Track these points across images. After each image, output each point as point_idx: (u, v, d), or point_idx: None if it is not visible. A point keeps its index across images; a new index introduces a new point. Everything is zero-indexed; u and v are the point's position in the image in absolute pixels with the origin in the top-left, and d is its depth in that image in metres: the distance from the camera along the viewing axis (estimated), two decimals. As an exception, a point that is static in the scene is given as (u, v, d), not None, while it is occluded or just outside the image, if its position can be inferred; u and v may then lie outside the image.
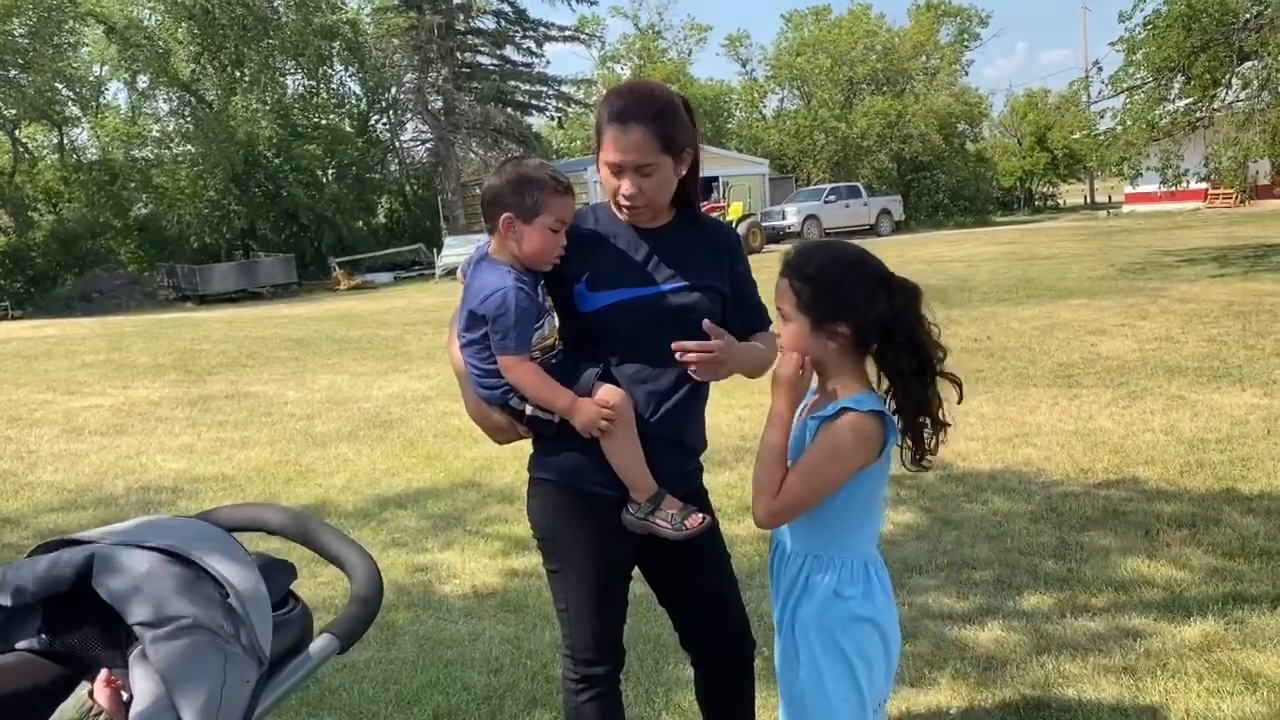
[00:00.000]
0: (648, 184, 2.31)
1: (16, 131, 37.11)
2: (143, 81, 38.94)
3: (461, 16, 41.29)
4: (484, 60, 43.15)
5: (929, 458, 2.21)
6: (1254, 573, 4.19)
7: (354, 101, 43.54)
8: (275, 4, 37.40)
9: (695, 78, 52.56)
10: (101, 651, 1.62)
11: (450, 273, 28.44)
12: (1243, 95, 16.72)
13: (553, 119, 46.49)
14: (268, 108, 37.78)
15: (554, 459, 2.43)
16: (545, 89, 44.17)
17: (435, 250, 33.64)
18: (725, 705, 2.66)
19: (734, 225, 20.15)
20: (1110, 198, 49.36)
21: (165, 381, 11.36)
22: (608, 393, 2.30)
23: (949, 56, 53.08)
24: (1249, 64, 16.35)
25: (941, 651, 3.69)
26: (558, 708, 3.26)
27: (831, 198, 36.02)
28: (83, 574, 1.50)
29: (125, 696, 1.51)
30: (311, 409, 9.28)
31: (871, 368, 2.19)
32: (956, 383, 2.21)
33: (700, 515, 2.35)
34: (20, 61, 32.25)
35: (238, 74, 38.03)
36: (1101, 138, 18.91)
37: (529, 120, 44.50)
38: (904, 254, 22.96)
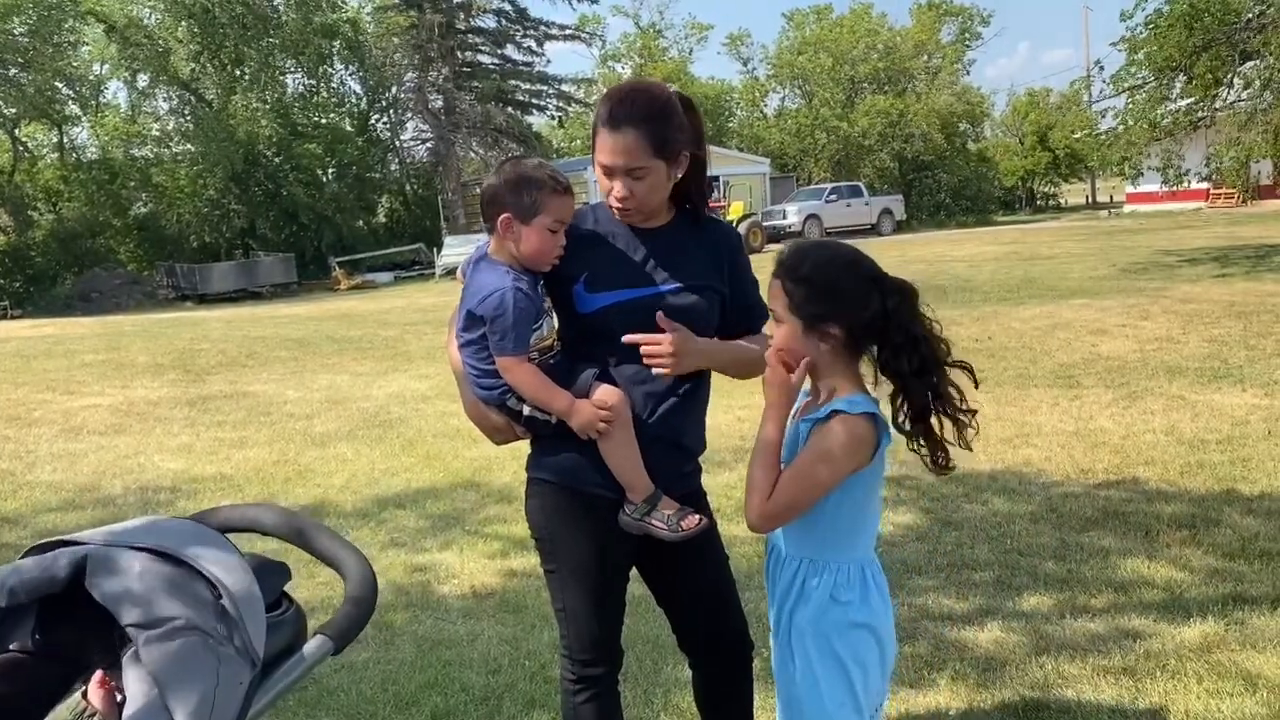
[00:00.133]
0: (639, 187, 2.30)
1: (16, 130, 37.13)
2: (142, 80, 38.93)
3: (462, 15, 41.28)
4: (484, 59, 43.13)
5: (950, 461, 2.16)
6: (1254, 574, 4.19)
7: (354, 100, 43.59)
8: (275, 3, 37.40)
9: (696, 77, 52.61)
10: (96, 653, 1.61)
11: (450, 272, 28.44)
12: (1244, 95, 16.71)
13: (553, 118, 46.49)
14: (268, 107, 37.80)
15: (552, 459, 2.42)
16: (546, 88, 44.17)
17: (435, 250, 33.65)
18: (724, 707, 2.64)
19: (735, 225, 20.17)
20: (1112, 198, 49.37)
21: (164, 381, 11.35)
22: (605, 393, 2.29)
23: (950, 56, 53.08)
24: (1250, 64, 16.34)
25: (941, 652, 3.68)
26: (556, 708, 3.26)
27: (833, 197, 36.00)
28: (76, 575, 1.49)
29: (120, 698, 1.51)
30: (311, 409, 9.28)
31: (867, 369, 2.18)
32: (968, 369, 2.17)
33: (697, 517, 2.35)
34: (20, 60, 32.26)
35: (238, 73, 38.03)
36: (1103, 137, 18.89)
37: (529, 120, 44.53)
38: (905, 254, 22.95)
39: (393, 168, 44.42)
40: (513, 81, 43.09)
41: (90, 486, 6.86)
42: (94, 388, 11.09)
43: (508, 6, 41.76)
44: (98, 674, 1.59)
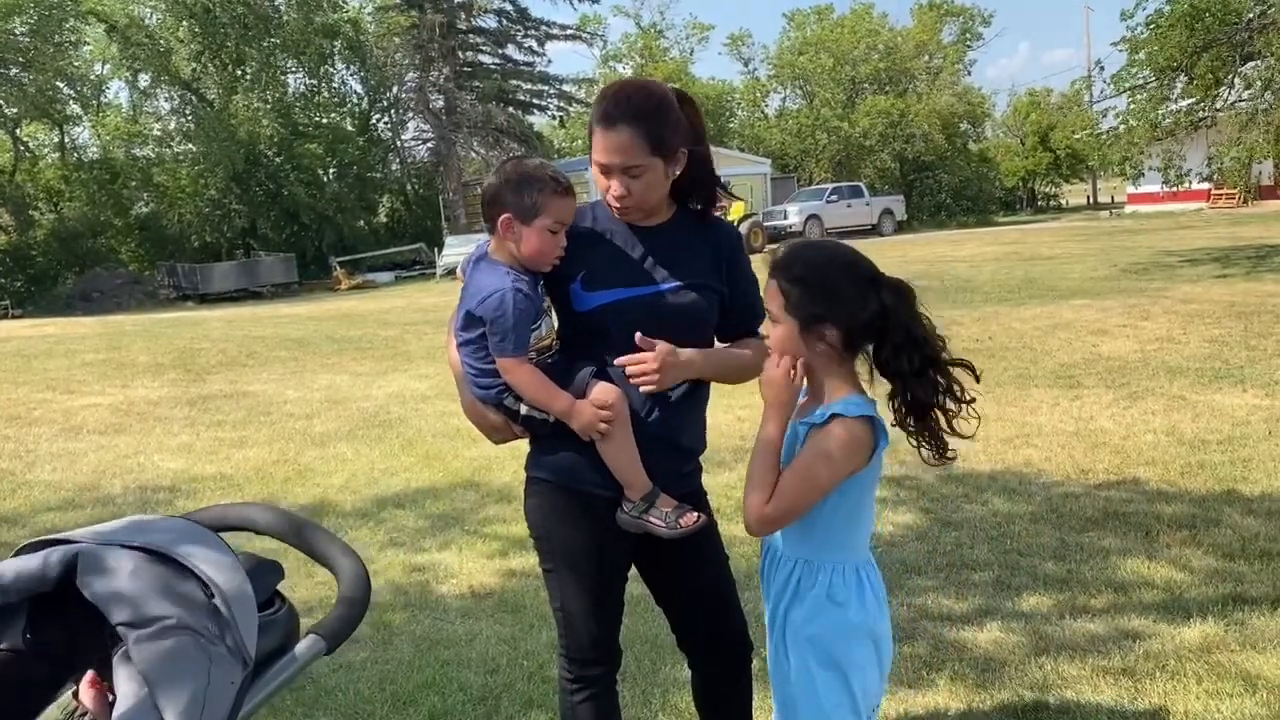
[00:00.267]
0: (636, 185, 2.29)
1: (17, 130, 37.15)
2: (144, 80, 39.00)
3: (463, 15, 41.29)
4: (485, 59, 43.14)
5: (951, 451, 2.18)
6: (1254, 574, 4.18)
7: (355, 100, 43.61)
8: (276, 2, 37.45)
9: (697, 77, 52.61)
10: (87, 652, 1.60)
11: (451, 272, 28.46)
12: (1245, 95, 16.70)
13: (554, 118, 46.49)
14: (269, 106, 37.84)
15: (550, 458, 2.42)
16: (547, 88, 44.18)
17: (436, 250, 33.66)
18: (723, 707, 2.64)
19: (736, 225, 20.09)
20: (1113, 198, 49.39)
21: (164, 381, 11.35)
22: (603, 391, 2.28)
23: (951, 56, 53.07)
24: (1251, 64, 16.32)
25: (940, 653, 3.67)
26: (554, 708, 3.26)
27: (833, 197, 35.99)
28: (67, 573, 1.48)
29: (111, 698, 1.50)
30: (311, 408, 9.27)
31: (861, 367, 2.17)
32: (969, 367, 2.17)
33: (695, 514, 2.34)
34: (21, 60, 32.28)
35: (239, 73, 38.06)
36: (1104, 137, 18.88)
37: (530, 119, 44.54)
38: (906, 254, 22.95)
39: (394, 167, 44.44)
40: (514, 81, 43.10)
41: (90, 486, 6.86)
42: (94, 387, 11.09)
43: (509, 6, 41.78)
44: (89, 673, 1.58)
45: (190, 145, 37.13)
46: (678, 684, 3.46)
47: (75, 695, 1.59)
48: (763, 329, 2.24)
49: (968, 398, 2.14)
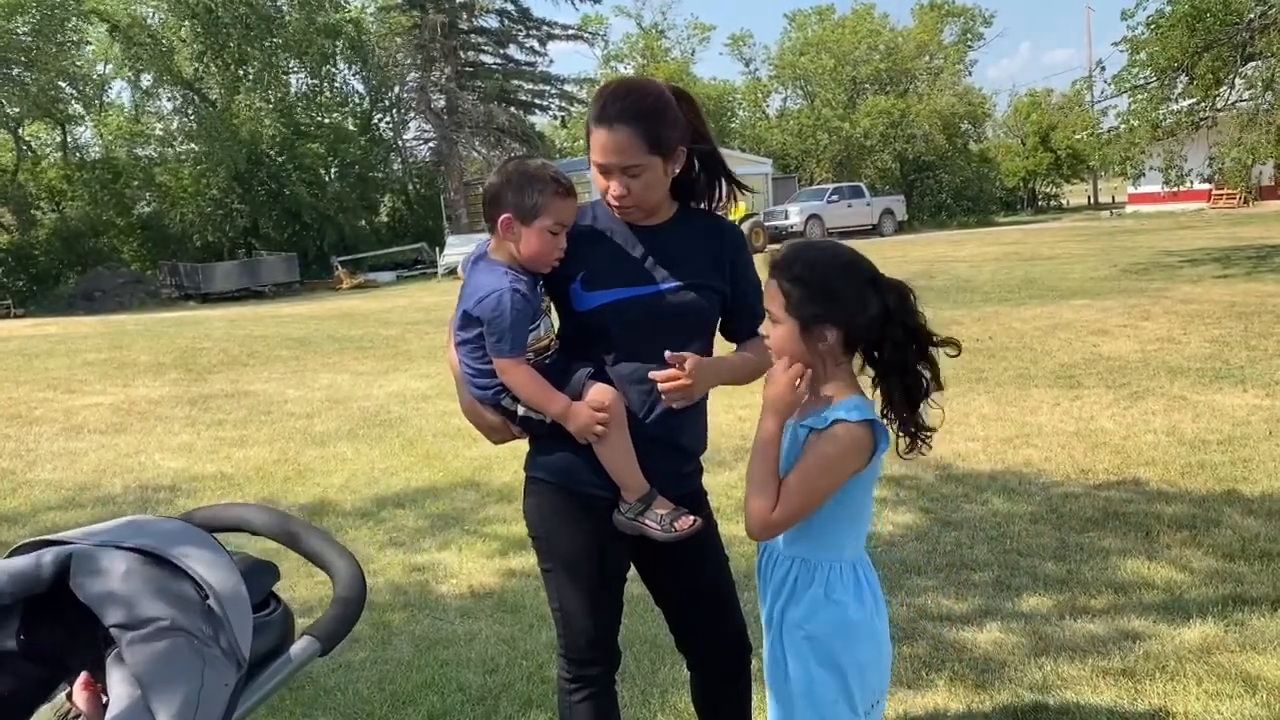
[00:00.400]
0: (635, 185, 2.27)
1: (20, 130, 37.18)
2: (146, 80, 39.04)
3: (465, 15, 41.31)
4: (487, 59, 43.17)
5: (923, 446, 2.19)
6: (1254, 575, 4.17)
7: (357, 100, 43.61)
8: (278, 2, 37.47)
9: (698, 77, 52.59)
10: (81, 653, 1.60)
11: (452, 271, 28.47)
12: (1246, 95, 16.69)
13: (556, 118, 46.50)
14: (271, 106, 37.86)
15: (548, 459, 2.41)
16: (548, 88, 44.20)
17: (438, 249, 33.66)
18: (722, 708, 2.63)
19: (737, 224, 20.05)
20: (1114, 198, 49.38)
21: (165, 380, 11.35)
22: (599, 392, 2.28)
23: (952, 56, 53.03)
24: (1253, 64, 16.31)
25: (939, 653, 3.66)
26: (553, 709, 3.25)
27: (834, 197, 35.97)
28: (61, 575, 1.48)
29: (104, 699, 1.50)
30: (311, 408, 9.27)
31: (855, 363, 2.17)
32: (953, 343, 2.17)
33: (691, 518, 2.33)
34: (24, 59, 32.30)
35: (241, 72, 38.07)
36: (1104, 136, 18.86)
37: (532, 119, 44.55)
38: (907, 254, 22.94)
39: (395, 167, 44.45)
40: (515, 81, 43.12)
41: (90, 485, 6.86)
42: (95, 386, 11.09)
43: (510, 6, 41.81)
44: (82, 675, 1.58)
45: (192, 145, 37.17)
46: (677, 684, 3.46)
47: (69, 697, 1.59)
48: (762, 329, 2.23)
49: (936, 388, 2.16)
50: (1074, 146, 42.79)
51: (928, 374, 2.14)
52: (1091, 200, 56.01)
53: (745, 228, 27.32)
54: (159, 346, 14.51)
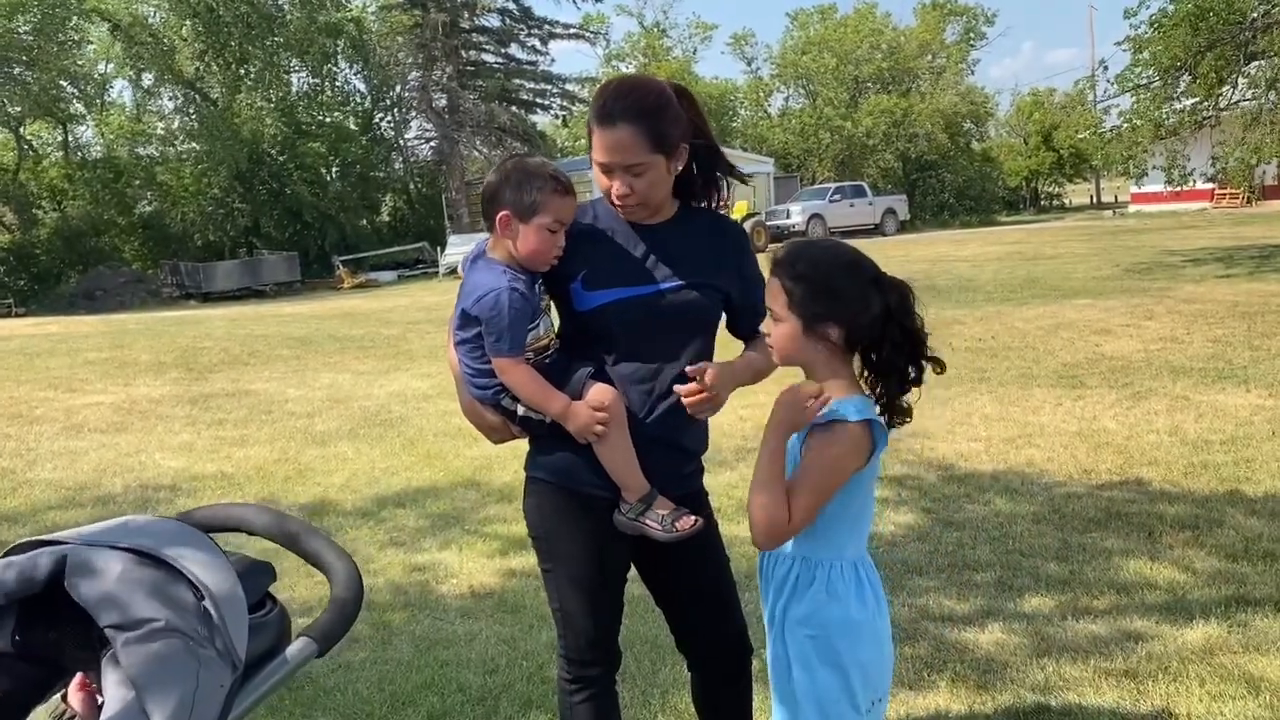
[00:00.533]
0: (639, 183, 2.26)
1: (21, 129, 37.21)
2: (147, 79, 39.11)
3: (466, 14, 41.28)
4: (488, 58, 43.16)
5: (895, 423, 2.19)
6: (1257, 575, 4.16)
7: (358, 99, 43.65)
8: (280, 1, 37.48)
9: (700, 76, 52.59)
10: (76, 654, 1.58)
11: (453, 271, 28.46)
12: (1249, 95, 16.67)
13: (557, 118, 46.48)
14: (272, 105, 37.88)
15: (548, 459, 2.40)
16: (550, 87, 44.17)
17: (439, 249, 33.67)
18: (723, 709, 2.62)
19: (741, 225, 20.02)
20: (1116, 198, 49.34)
21: (166, 379, 11.35)
22: (599, 392, 2.26)
23: (955, 55, 53.02)
24: (1256, 63, 16.29)
25: (941, 654, 3.65)
26: (553, 709, 3.24)
27: (836, 197, 35.96)
28: (55, 575, 1.46)
29: (99, 700, 1.49)
30: (312, 407, 9.27)
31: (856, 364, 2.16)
32: (939, 363, 2.17)
33: (692, 518, 2.31)
34: (25, 59, 32.33)
35: (242, 71, 38.10)
36: (1107, 135, 18.85)
37: (533, 119, 44.53)
38: (909, 253, 22.93)
39: (397, 166, 44.48)
40: (517, 80, 43.11)
41: (91, 484, 6.85)
42: (96, 386, 11.09)
43: (512, 5, 41.79)
44: (78, 676, 1.57)
45: (193, 144, 37.20)
46: (678, 685, 3.45)
47: (64, 698, 1.58)
48: (762, 327, 2.22)
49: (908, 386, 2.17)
50: (1076, 146, 42.78)
51: (912, 373, 2.13)
52: (1094, 200, 55.98)
53: (747, 227, 27.29)
54: (160, 346, 14.51)
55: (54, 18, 32.05)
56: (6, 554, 1.54)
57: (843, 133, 46.20)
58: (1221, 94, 16.75)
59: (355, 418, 8.68)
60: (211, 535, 1.66)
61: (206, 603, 1.47)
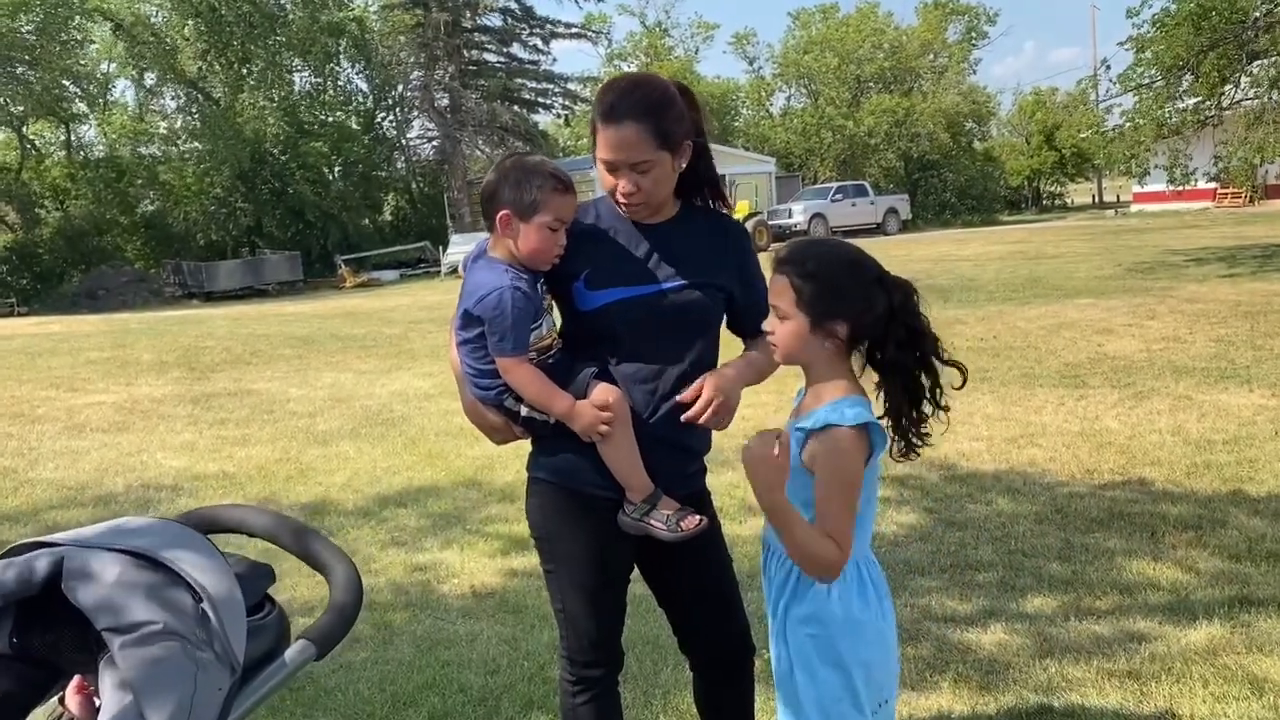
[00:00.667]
0: (645, 181, 2.25)
1: (24, 128, 37.25)
2: (150, 78, 39.16)
3: (468, 14, 41.31)
4: (490, 58, 43.19)
5: (918, 450, 2.16)
6: (1261, 576, 4.14)
7: (360, 99, 43.65)
8: (282, 1, 37.49)
9: (702, 75, 52.55)
10: (74, 656, 1.57)
11: (454, 270, 28.47)
12: (1251, 94, 16.65)
13: (559, 117, 46.50)
14: (274, 105, 37.90)
15: (551, 459, 2.39)
16: (552, 86, 44.20)
17: (441, 248, 33.68)
18: (725, 710, 2.62)
19: (743, 224, 20.03)
20: (1118, 197, 49.25)
21: (168, 379, 11.35)
22: (603, 392, 2.25)
23: (957, 55, 52.98)
24: (1258, 62, 16.27)
25: (943, 654, 3.64)
26: (555, 709, 3.24)
27: (838, 196, 35.94)
28: (53, 578, 1.46)
29: (98, 703, 1.48)
30: (314, 407, 9.26)
31: (855, 363, 2.15)
32: (960, 368, 2.16)
33: (697, 517, 2.31)
34: (27, 58, 32.36)
35: (244, 71, 38.12)
36: (1109, 134, 18.83)
37: (535, 118, 44.55)
38: (911, 253, 22.91)
39: (399, 166, 44.50)
40: (519, 80, 43.13)
41: (92, 484, 6.85)
42: (98, 385, 11.08)
43: (514, 5, 41.83)
44: (75, 679, 1.56)
45: (196, 143, 37.24)
46: (679, 685, 3.44)
47: (62, 701, 1.57)
48: (766, 325, 2.21)
49: (943, 404, 2.14)
50: (1078, 145, 42.77)
51: (928, 382, 2.12)
52: (1096, 199, 55.91)
53: (749, 226, 27.30)
54: (162, 345, 14.51)
55: (56, 17, 32.09)
56: (4, 555, 1.53)
57: (845, 132, 46.17)
58: (1224, 93, 16.73)
59: (357, 417, 8.67)
60: (210, 537, 1.65)
61: (204, 605, 1.46)
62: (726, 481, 5.59)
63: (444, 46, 39.98)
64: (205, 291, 31.19)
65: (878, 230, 35.64)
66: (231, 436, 8.15)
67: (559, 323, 2.42)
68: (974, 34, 55.27)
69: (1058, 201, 55.99)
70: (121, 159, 37.24)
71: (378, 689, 3.65)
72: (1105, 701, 3.24)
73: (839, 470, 2.02)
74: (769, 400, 7.13)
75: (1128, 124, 17.57)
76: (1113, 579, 4.23)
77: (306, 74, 41.42)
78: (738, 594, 2.56)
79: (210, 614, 1.45)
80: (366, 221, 40.41)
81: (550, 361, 2.31)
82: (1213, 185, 25.77)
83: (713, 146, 2.48)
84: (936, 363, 2.13)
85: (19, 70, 32.77)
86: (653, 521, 2.29)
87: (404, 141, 44.52)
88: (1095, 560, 4.44)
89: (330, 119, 39.93)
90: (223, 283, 31.67)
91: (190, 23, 36.27)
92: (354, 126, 40.93)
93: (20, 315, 27.27)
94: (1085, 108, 42.26)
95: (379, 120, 43.35)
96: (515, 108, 42.19)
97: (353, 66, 42.53)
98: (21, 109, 34.81)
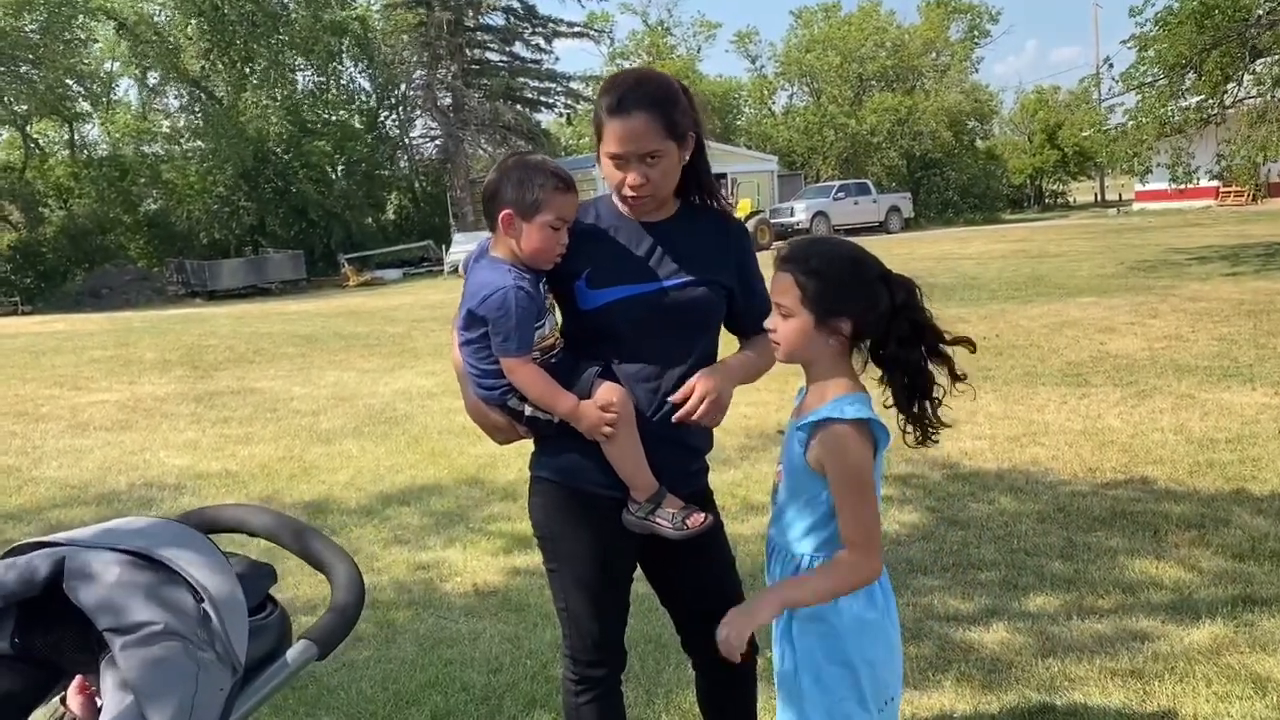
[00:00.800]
0: (654, 172, 2.25)
1: (28, 127, 37.29)
2: (153, 78, 39.24)
3: (471, 13, 41.32)
4: (493, 57, 43.19)
5: (936, 436, 2.18)
6: (1264, 575, 4.14)
7: (363, 98, 43.69)
8: (285, 0, 37.50)
9: (704, 74, 52.55)
10: (75, 657, 1.58)
11: (456, 269, 28.48)
12: (1254, 92, 16.62)
13: (561, 116, 46.49)
14: (277, 104, 37.91)
15: (554, 459, 2.39)
16: (554, 85, 44.19)
17: (444, 247, 33.71)
18: (727, 709, 2.62)
19: (743, 222, 20.01)
20: (1121, 195, 49.14)
21: (171, 377, 11.36)
22: (607, 391, 2.25)
23: (959, 53, 52.92)
24: (1261, 61, 16.24)
25: (946, 653, 3.64)
26: (557, 708, 3.23)
27: (841, 195, 35.90)
28: (54, 578, 1.46)
29: (99, 704, 1.48)
30: (317, 405, 9.27)
31: (857, 360, 2.15)
32: (968, 342, 2.17)
33: (702, 515, 2.31)
34: (31, 57, 32.43)
35: (247, 70, 38.16)
36: (1112, 132, 18.80)
37: (538, 117, 44.55)
38: (913, 251, 22.89)
39: (402, 165, 44.53)
40: (521, 79, 43.12)
41: (95, 482, 6.86)
42: (102, 384, 11.10)
43: (516, 4, 41.84)
44: (77, 679, 1.56)
45: (199, 142, 37.31)
46: (682, 684, 3.44)
47: (63, 701, 1.57)
48: (768, 323, 2.21)
49: (960, 374, 2.15)
50: (1081, 144, 42.71)
51: (942, 368, 2.12)
52: (1098, 198, 55.81)
53: (751, 225, 27.29)
54: (165, 344, 14.53)
55: (60, 16, 32.15)
56: (6, 555, 1.53)
57: (847, 130, 46.13)
58: (1227, 91, 16.69)
59: (360, 415, 8.68)
60: (212, 536, 1.65)
61: (206, 605, 1.46)
62: (728, 480, 5.60)
63: (447, 45, 39.98)
64: (208, 290, 31.23)
65: (880, 229, 35.59)
66: (234, 435, 8.16)
67: (561, 322, 2.42)
68: (976, 32, 55.26)
69: (1060, 200, 55.92)
70: (125, 158, 37.29)
71: (380, 687, 3.65)
72: (1108, 700, 3.24)
73: (847, 467, 2.02)
74: (769, 399, 7.13)
75: (1130, 122, 17.53)
76: (1115, 578, 4.23)
77: (309, 73, 41.47)
78: (741, 593, 2.56)
79: (212, 614, 1.45)
80: (369, 220, 40.46)
81: (553, 361, 2.31)
82: (1215, 184, 25.71)
83: (715, 145, 2.49)
84: (944, 348, 2.13)
85: (23, 69, 32.85)
86: (658, 520, 2.29)
87: (407, 140, 44.55)
88: (1098, 559, 4.44)
89: (333, 118, 39.96)
90: (226, 281, 31.71)
91: (193, 22, 36.31)
92: (357, 125, 40.98)
93: (24, 314, 27.33)
94: (1088, 106, 42.11)
95: (382, 119, 43.40)
96: (518, 107, 42.19)
97: (355, 65, 42.58)
98: (25, 108, 34.89)
